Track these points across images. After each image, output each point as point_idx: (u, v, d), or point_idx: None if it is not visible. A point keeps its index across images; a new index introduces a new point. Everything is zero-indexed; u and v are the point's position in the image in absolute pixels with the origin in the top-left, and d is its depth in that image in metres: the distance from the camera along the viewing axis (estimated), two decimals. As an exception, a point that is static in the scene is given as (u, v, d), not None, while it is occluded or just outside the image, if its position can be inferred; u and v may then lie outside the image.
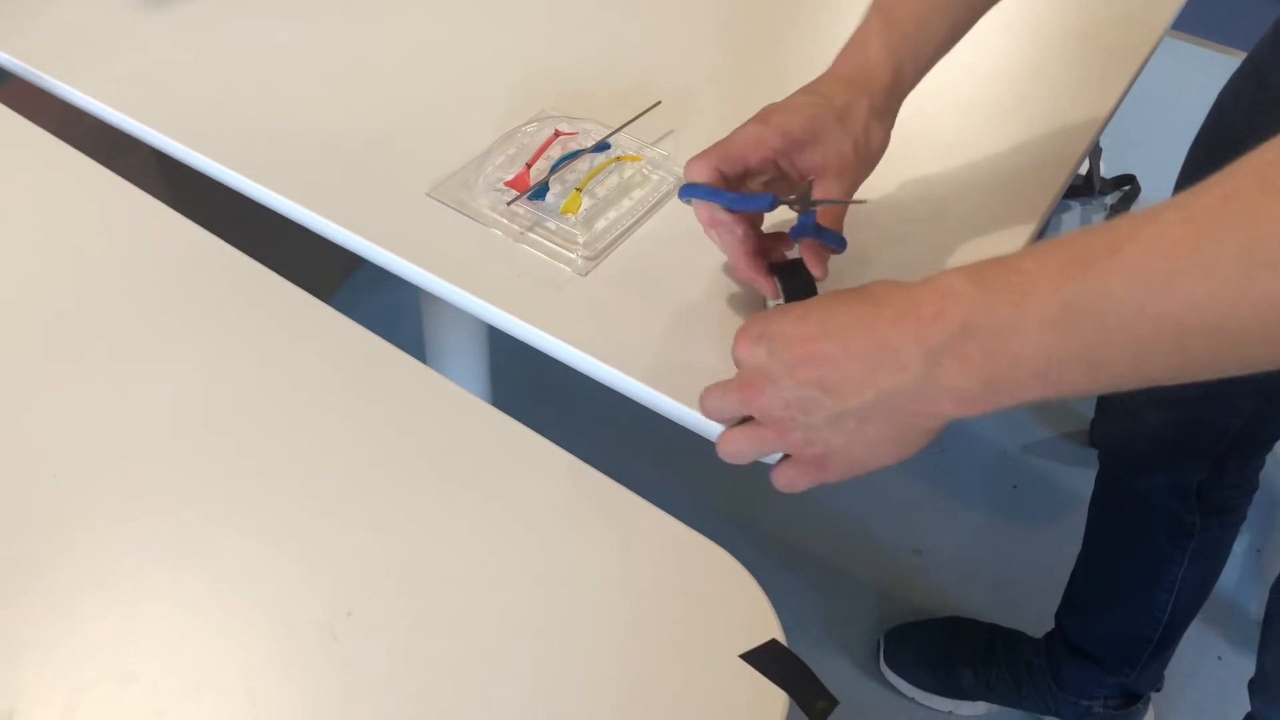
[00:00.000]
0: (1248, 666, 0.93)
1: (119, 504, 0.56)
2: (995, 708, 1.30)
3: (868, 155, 0.62)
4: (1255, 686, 0.84)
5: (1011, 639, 1.30)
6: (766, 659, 0.50)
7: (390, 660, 0.51)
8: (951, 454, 1.57)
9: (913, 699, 1.31)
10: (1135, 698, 1.23)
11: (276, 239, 0.69)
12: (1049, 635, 1.26)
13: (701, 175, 0.60)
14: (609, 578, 0.54)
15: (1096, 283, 0.39)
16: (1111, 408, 1.03)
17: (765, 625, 0.52)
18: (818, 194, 0.60)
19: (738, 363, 0.53)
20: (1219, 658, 1.36)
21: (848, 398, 0.47)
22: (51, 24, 0.87)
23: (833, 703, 0.50)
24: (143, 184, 0.75)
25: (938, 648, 1.32)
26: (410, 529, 0.56)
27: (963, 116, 0.82)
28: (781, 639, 0.51)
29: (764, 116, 0.61)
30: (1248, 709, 0.95)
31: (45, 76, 0.83)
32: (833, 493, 1.52)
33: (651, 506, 0.57)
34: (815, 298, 0.52)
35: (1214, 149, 0.82)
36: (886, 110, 0.63)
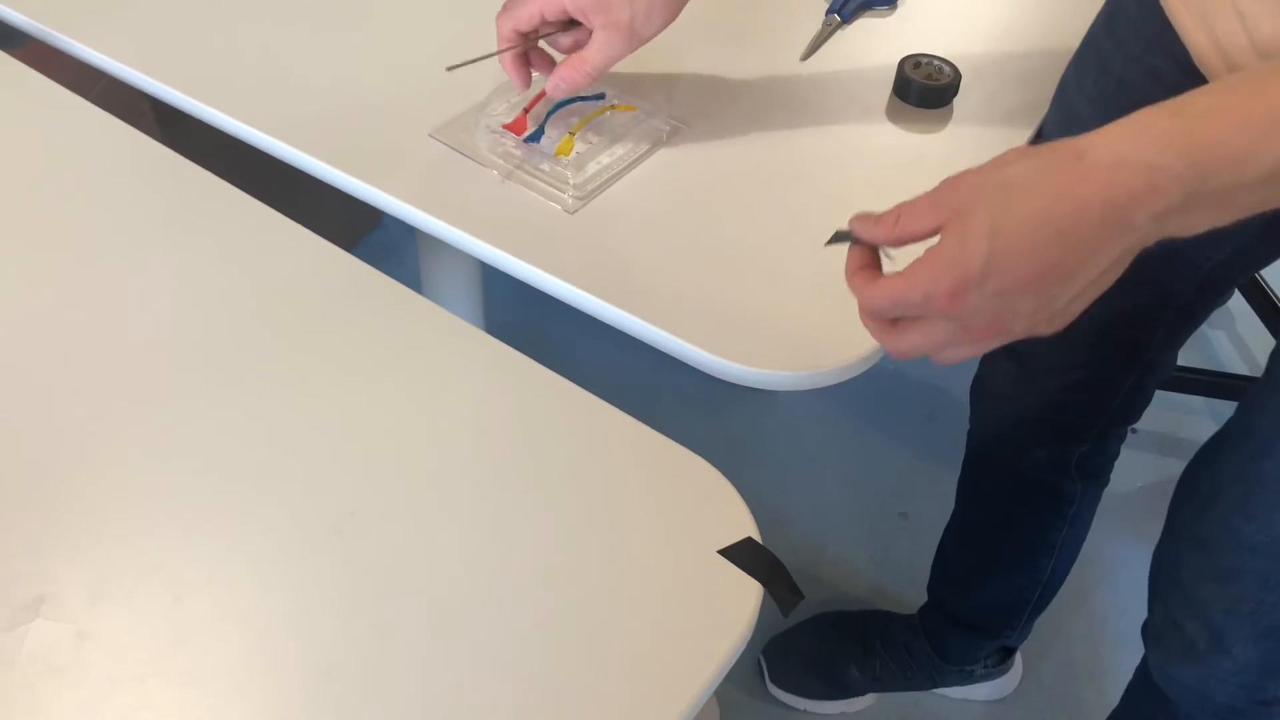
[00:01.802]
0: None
1: (138, 416, 0.60)
2: (885, 694, 1.30)
3: (641, 31, 0.70)
4: (1153, 640, 0.84)
5: (883, 622, 1.29)
6: (743, 554, 0.54)
7: (389, 556, 0.54)
8: (939, 422, 1.61)
9: (805, 710, 1.30)
10: (1012, 651, 1.27)
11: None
12: (924, 611, 1.26)
13: (504, 40, 0.73)
14: (598, 484, 0.58)
15: (1263, 157, 0.43)
16: (993, 397, 1.02)
17: (742, 525, 0.56)
18: (588, 51, 0.72)
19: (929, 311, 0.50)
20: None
21: (1074, 288, 0.48)
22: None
23: (800, 596, 0.54)
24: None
25: (817, 652, 1.30)
26: (410, 438, 0.60)
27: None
28: (757, 537, 0.55)
29: None
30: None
31: (61, 36, 0.86)
32: (821, 459, 1.56)
33: (635, 421, 0.61)
34: (1004, 213, 0.47)
35: (1067, 135, 0.80)
36: None
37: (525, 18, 0.72)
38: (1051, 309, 0.49)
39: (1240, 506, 0.71)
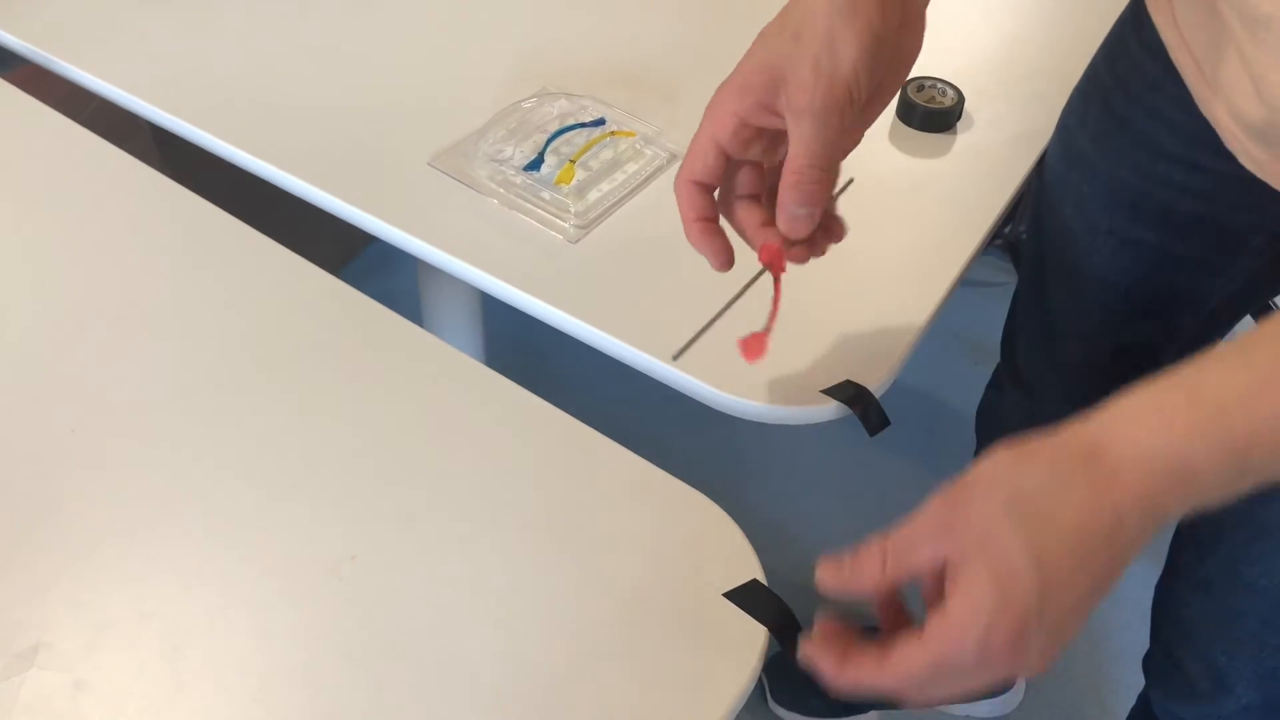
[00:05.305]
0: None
1: (135, 457, 0.59)
2: (887, 711, 1.29)
3: (834, 75, 0.47)
4: (1155, 676, 0.83)
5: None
6: (748, 597, 0.53)
7: (391, 600, 0.54)
8: (939, 436, 1.60)
9: None
10: None
11: (270, 230, 0.72)
12: None
13: (684, 203, 0.52)
14: (601, 524, 0.57)
15: None
16: (1000, 425, 0.99)
17: (747, 566, 0.55)
18: (789, 149, 0.49)
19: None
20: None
21: (1112, 588, 0.42)
22: (59, 10, 0.90)
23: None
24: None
25: None
26: (411, 479, 0.59)
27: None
28: (762, 579, 0.54)
29: (726, 80, 0.51)
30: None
31: (54, 59, 0.86)
32: (822, 474, 1.55)
33: (639, 459, 0.60)
34: (1041, 536, 0.41)
35: (1069, 173, 0.77)
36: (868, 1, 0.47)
37: (700, 164, 0.51)
38: (1089, 615, 0.43)
39: (1244, 551, 0.70)
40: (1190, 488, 0.40)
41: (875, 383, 0.63)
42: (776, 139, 0.51)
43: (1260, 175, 0.61)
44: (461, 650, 0.52)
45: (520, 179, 0.73)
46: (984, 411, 1.02)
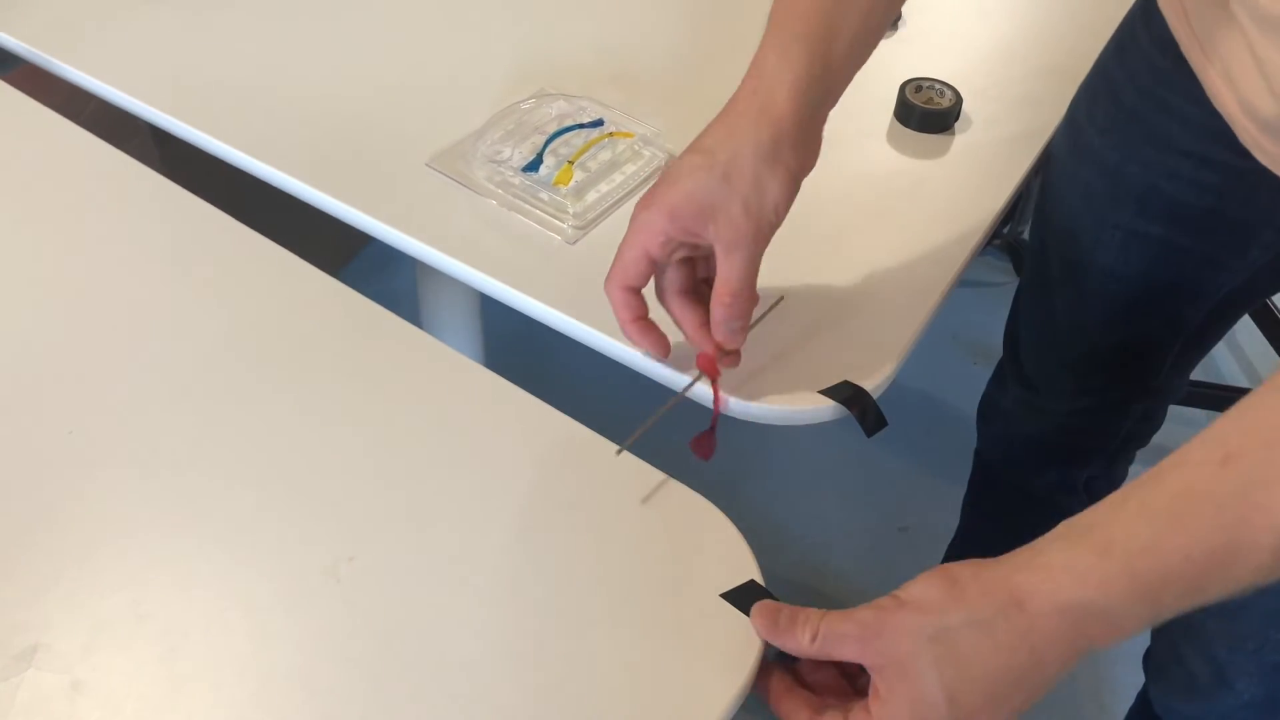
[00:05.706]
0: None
1: (133, 458, 0.59)
2: None
3: (761, 214, 0.55)
4: (1155, 672, 0.83)
5: None
6: (745, 597, 0.53)
7: (389, 602, 0.54)
8: (938, 435, 1.60)
9: None
10: None
11: (268, 231, 0.72)
12: None
13: (620, 306, 0.59)
14: (597, 524, 0.57)
15: (1218, 584, 0.44)
16: (1002, 419, 1.00)
17: (744, 566, 0.55)
18: (718, 273, 0.56)
19: None
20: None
21: (1029, 705, 0.47)
22: (59, 10, 0.90)
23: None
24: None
25: None
26: (409, 480, 0.59)
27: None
28: (759, 580, 0.54)
29: (649, 198, 0.57)
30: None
31: (53, 59, 0.86)
32: (821, 474, 1.55)
33: (637, 459, 0.60)
34: (958, 676, 0.45)
35: (1078, 168, 0.78)
36: (787, 144, 0.55)
37: (633, 271, 0.58)
38: None
39: None
40: (1108, 630, 0.44)
41: (873, 383, 0.63)
42: (698, 245, 0.58)
43: (1273, 169, 0.61)
44: (458, 652, 0.52)
45: (518, 180, 0.73)
46: (986, 406, 1.02)
